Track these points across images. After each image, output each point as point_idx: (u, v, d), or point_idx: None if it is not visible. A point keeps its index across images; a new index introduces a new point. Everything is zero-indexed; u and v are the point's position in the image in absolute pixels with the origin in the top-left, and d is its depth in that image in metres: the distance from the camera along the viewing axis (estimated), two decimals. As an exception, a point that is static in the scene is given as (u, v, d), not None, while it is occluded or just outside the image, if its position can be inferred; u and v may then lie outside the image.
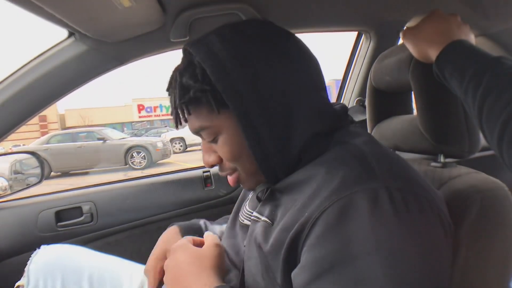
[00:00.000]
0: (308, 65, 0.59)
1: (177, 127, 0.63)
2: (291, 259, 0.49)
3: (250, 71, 0.54)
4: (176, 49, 1.12)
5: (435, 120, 0.68)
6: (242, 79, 0.53)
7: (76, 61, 1.02)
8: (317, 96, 0.59)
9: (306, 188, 0.51)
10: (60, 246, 0.96)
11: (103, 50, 1.03)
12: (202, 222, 0.90)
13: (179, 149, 13.33)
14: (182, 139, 13.65)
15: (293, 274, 0.48)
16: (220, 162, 0.62)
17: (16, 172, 1.63)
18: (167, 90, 0.61)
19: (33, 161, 1.43)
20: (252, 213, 0.63)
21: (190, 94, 0.55)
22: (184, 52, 0.59)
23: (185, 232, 0.82)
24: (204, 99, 0.55)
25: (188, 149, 13.40)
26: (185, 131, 14.29)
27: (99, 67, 1.08)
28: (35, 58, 1.03)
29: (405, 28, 0.71)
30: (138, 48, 1.09)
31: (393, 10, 1.22)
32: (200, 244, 0.65)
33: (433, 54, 0.62)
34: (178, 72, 0.57)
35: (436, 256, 0.46)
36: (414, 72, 0.69)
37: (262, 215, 0.59)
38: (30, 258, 0.91)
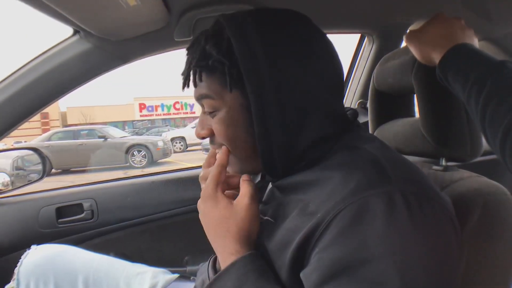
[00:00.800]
0: (333, 68, 0.58)
1: (183, 89, 0.60)
2: (298, 260, 0.48)
3: (277, 61, 0.53)
4: (179, 48, 1.12)
5: (438, 123, 0.68)
6: (268, 67, 0.52)
7: (80, 59, 1.02)
8: (334, 100, 0.58)
9: (315, 190, 0.51)
10: (52, 246, 0.94)
11: (107, 48, 1.03)
12: None
13: (180, 149, 13.34)
14: (182, 138, 13.65)
15: (303, 274, 0.47)
16: (212, 135, 0.61)
17: (18, 168, 1.63)
18: (187, 49, 0.60)
19: (35, 157, 1.44)
20: None
21: (208, 61, 0.55)
22: (217, 21, 0.58)
23: None
24: (220, 71, 0.54)
25: (189, 148, 13.40)
26: (186, 131, 14.32)
27: (103, 65, 1.08)
28: (39, 55, 1.03)
29: (408, 30, 0.71)
30: (142, 47, 1.09)
31: (396, 13, 1.22)
32: (234, 187, 0.61)
33: (436, 57, 0.62)
34: (204, 37, 0.56)
35: (449, 258, 0.46)
36: (417, 75, 0.69)
37: (264, 215, 0.59)
38: (20, 260, 0.88)
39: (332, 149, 0.56)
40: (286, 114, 0.54)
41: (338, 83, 0.59)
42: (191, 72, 0.58)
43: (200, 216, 0.59)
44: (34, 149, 1.43)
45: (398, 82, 0.78)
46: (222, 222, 0.55)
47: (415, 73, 0.70)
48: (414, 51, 0.68)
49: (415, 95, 0.73)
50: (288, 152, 0.55)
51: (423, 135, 0.70)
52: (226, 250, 0.54)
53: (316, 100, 0.55)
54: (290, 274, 0.49)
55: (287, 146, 0.55)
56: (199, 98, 0.59)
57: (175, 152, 12.01)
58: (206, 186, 0.58)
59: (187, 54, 0.59)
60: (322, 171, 0.53)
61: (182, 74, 0.60)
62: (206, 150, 10.07)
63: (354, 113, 0.63)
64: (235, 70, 0.53)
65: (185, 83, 0.59)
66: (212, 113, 0.58)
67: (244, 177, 0.59)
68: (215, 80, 0.56)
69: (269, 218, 0.57)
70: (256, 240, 0.56)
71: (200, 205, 0.59)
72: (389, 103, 0.90)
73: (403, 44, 0.75)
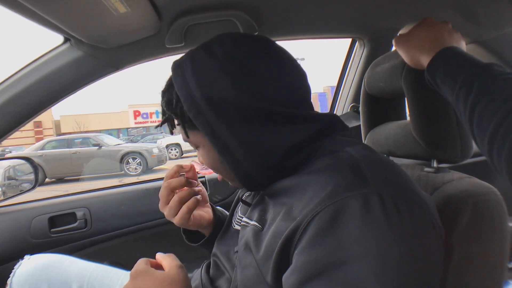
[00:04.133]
0: (284, 78, 0.59)
1: (171, 133, 0.69)
2: (282, 263, 0.49)
3: (213, 97, 0.56)
4: (171, 55, 1.12)
5: (428, 126, 0.69)
6: (208, 104, 0.56)
7: (71, 67, 1.02)
8: (291, 110, 0.58)
9: (297, 194, 0.52)
10: (45, 255, 0.94)
11: (99, 55, 1.03)
12: None
13: (175, 155, 13.30)
14: (178, 145, 13.62)
15: (284, 277, 0.48)
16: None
17: (9, 178, 1.61)
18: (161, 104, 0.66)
19: (27, 167, 1.42)
20: (242, 218, 0.64)
21: (166, 115, 0.64)
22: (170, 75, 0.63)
23: None
24: (179, 119, 0.61)
25: (184, 155, 13.37)
26: (181, 137, 14.27)
27: (95, 73, 1.08)
28: (30, 63, 1.03)
29: (397, 35, 0.72)
30: (134, 54, 1.09)
31: (387, 18, 1.23)
32: (158, 267, 0.64)
33: (424, 60, 0.63)
34: (162, 93, 0.64)
35: (427, 261, 0.46)
36: (406, 79, 0.70)
37: (251, 219, 0.59)
38: (13, 270, 0.88)
39: (313, 154, 0.56)
40: (245, 140, 0.56)
41: (289, 90, 0.59)
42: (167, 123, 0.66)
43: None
44: (26, 159, 1.42)
45: (388, 85, 0.79)
46: None
47: (405, 76, 0.70)
48: (403, 55, 0.69)
49: (406, 98, 0.74)
50: (263, 167, 0.58)
51: (414, 137, 0.71)
52: None
53: (269, 119, 0.56)
54: (276, 278, 0.50)
55: (259, 164, 0.57)
56: (184, 140, 0.66)
57: (170, 159, 11.98)
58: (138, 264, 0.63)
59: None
60: (304, 175, 0.54)
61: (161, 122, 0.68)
62: (201, 156, 10.03)
63: (334, 117, 0.64)
64: (187, 118, 0.59)
65: (171, 130, 0.68)
66: (196, 149, 0.66)
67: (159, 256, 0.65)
68: (180, 126, 0.63)
69: (256, 223, 0.57)
70: (247, 248, 0.57)
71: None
72: (380, 106, 0.90)
73: (393, 48, 0.75)
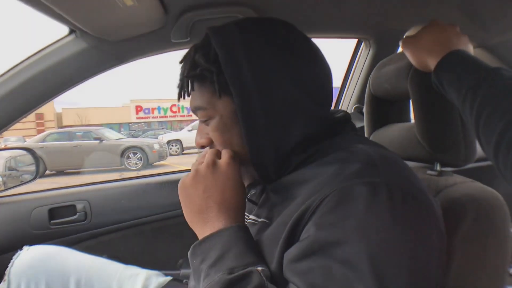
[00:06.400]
0: (316, 74, 0.60)
1: (178, 99, 0.64)
2: (289, 245, 0.49)
3: (259, 68, 0.56)
4: (176, 49, 1.12)
5: (433, 129, 0.68)
6: (250, 73, 0.55)
7: (76, 59, 1.02)
8: (317, 105, 0.59)
9: (305, 185, 0.52)
10: (44, 247, 0.93)
11: (104, 48, 1.03)
12: None
13: (176, 152, 13.31)
14: (179, 141, 13.63)
15: (286, 254, 0.49)
16: (211, 143, 0.63)
17: (10, 169, 1.61)
18: (181, 62, 0.63)
19: (28, 158, 1.42)
20: (249, 216, 0.64)
21: (197, 71, 0.58)
22: (206, 34, 0.61)
23: None
24: (209, 79, 0.57)
25: (185, 152, 13.38)
26: (182, 134, 14.29)
27: (99, 65, 1.07)
28: (34, 54, 1.02)
29: (404, 36, 0.72)
30: (139, 48, 1.09)
31: (393, 19, 1.23)
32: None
33: (431, 63, 0.62)
34: (194, 48, 0.60)
35: (425, 258, 0.47)
36: (412, 81, 0.70)
37: (259, 217, 0.60)
38: (12, 260, 0.88)
39: (321, 150, 0.57)
40: (270, 117, 0.56)
41: (322, 89, 0.61)
42: (184, 84, 0.61)
43: (184, 195, 0.59)
44: (28, 149, 1.42)
45: (393, 87, 0.79)
46: (207, 192, 0.56)
47: (411, 78, 0.70)
48: (409, 57, 0.68)
49: (410, 101, 0.73)
50: (276, 153, 0.57)
51: (418, 140, 0.70)
52: (214, 222, 0.55)
53: (296, 105, 0.57)
54: (280, 263, 0.50)
55: (274, 147, 0.57)
56: (194, 110, 0.63)
57: (171, 155, 11.99)
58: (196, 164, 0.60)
59: (180, 67, 0.63)
60: (315, 168, 0.54)
61: (177, 86, 0.63)
62: (202, 153, 10.04)
63: (346, 115, 0.64)
64: (222, 78, 0.56)
65: (180, 94, 0.62)
66: (206, 121, 0.61)
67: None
68: (205, 89, 0.59)
69: (265, 220, 0.57)
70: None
71: (184, 184, 0.59)
72: (385, 108, 0.90)
73: (400, 49, 0.75)
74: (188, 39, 1.04)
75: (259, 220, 0.59)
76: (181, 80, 0.61)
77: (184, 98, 0.63)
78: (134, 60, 1.12)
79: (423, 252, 0.46)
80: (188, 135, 13.84)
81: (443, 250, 0.51)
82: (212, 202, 0.56)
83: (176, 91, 0.63)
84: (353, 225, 0.44)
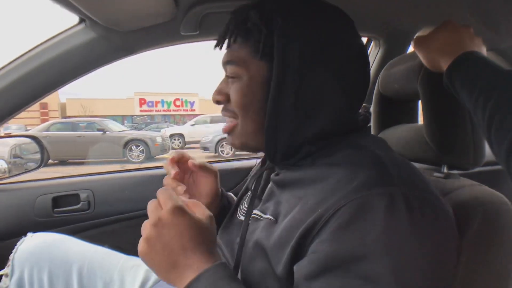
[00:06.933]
0: (360, 72, 0.60)
1: (215, 48, 0.63)
2: (297, 254, 0.49)
3: (310, 48, 0.55)
4: (185, 42, 1.11)
5: (442, 130, 0.68)
6: (300, 49, 0.54)
7: (84, 48, 1.01)
8: (347, 104, 0.59)
9: (317, 186, 0.51)
10: (48, 234, 0.94)
11: (113, 38, 1.02)
12: None
13: (178, 146, 13.33)
14: (181, 135, 13.66)
15: (297, 266, 0.48)
16: (226, 101, 0.62)
17: (15, 156, 1.62)
18: (232, 12, 0.62)
19: (33, 146, 1.42)
20: (253, 211, 0.63)
21: (247, 25, 0.57)
22: None
23: None
24: (255, 38, 0.56)
25: (187, 146, 13.40)
26: (185, 128, 14.31)
27: (107, 56, 1.07)
28: (42, 43, 1.02)
29: (416, 36, 0.71)
30: (148, 39, 1.08)
31: (405, 19, 1.22)
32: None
33: (444, 64, 0.62)
34: (252, 3, 0.59)
35: (447, 266, 0.46)
36: (423, 81, 0.69)
37: (264, 213, 0.59)
38: (16, 246, 0.88)
39: (334, 147, 0.56)
40: (299, 99, 0.55)
41: (358, 90, 0.60)
42: (228, 33, 0.60)
43: (148, 262, 0.52)
44: (33, 138, 1.42)
45: (403, 87, 0.78)
46: (194, 233, 0.50)
47: (421, 79, 0.69)
48: (421, 56, 0.68)
49: (419, 102, 0.73)
50: (291, 137, 0.56)
51: (426, 141, 0.70)
52: (187, 272, 0.48)
53: (329, 98, 0.56)
54: (287, 269, 0.49)
55: (290, 130, 0.56)
56: (225, 63, 0.61)
57: (173, 149, 11.99)
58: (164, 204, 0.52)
59: (231, 17, 0.61)
60: (324, 168, 0.54)
61: (220, 34, 0.62)
62: (204, 148, 10.07)
63: (366, 118, 0.64)
64: (268, 42, 0.55)
65: (220, 43, 0.62)
66: (233, 78, 0.60)
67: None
68: (246, 46, 0.58)
69: (270, 217, 0.56)
70: (256, 240, 0.56)
71: (142, 253, 0.52)
72: (393, 108, 0.89)
73: (410, 49, 0.74)
74: (198, 32, 1.04)
75: (265, 216, 0.58)
76: (227, 30, 0.60)
77: (220, 48, 0.62)
78: (142, 52, 1.12)
79: (443, 260, 0.46)
80: (191, 130, 13.86)
81: (457, 255, 0.52)
82: (174, 256, 0.49)
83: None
84: (373, 240, 0.43)
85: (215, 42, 0.64)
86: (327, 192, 0.48)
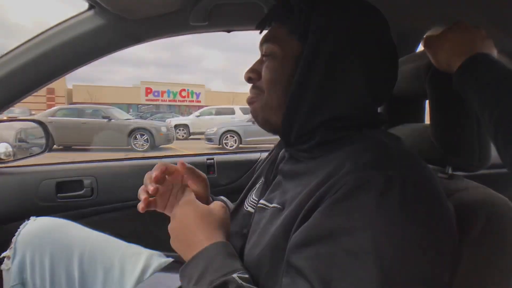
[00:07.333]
0: (390, 70, 0.62)
1: (257, 28, 0.67)
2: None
3: (347, 38, 0.56)
4: (194, 33, 1.11)
5: (448, 131, 0.68)
6: (337, 37, 0.56)
7: (93, 35, 1.02)
8: (369, 100, 0.60)
9: (320, 171, 0.52)
10: (51, 219, 0.94)
11: (122, 26, 1.02)
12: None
13: (183, 136, 13.38)
14: (186, 126, 13.69)
15: (293, 235, 0.49)
16: (256, 79, 0.64)
17: (21, 140, 1.63)
18: None
19: (39, 130, 1.43)
20: (259, 201, 0.64)
21: (290, 2, 0.60)
22: None
23: None
24: (296, 18, 0.58)
25: (192, 137, 13.43)
26: (190, 119, 14.33)
27: (116, 43, 1.07)
28: (51, 28, 1.03)
29: (426, 36, 0.70)
30: (157, 28, 1.08)
31: (414, 19, 1.20)
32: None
33: (454, 64, 0.61)
34: None
35: (433, 257, 0.47)
36: (431, 81, 0.69)
37: (271, 202, 0.60)
38: (19, 230, 0.89)
39: (346, 138, 0.57)
40: (326, 78, 0.56)
41: (385, 88, 0.62)
42: (271, 12, 0.65)
43: (177, 220, 0.63)
44: (39, 122, 1.43)
45: (411, 86, 0.78)
46: (203, 217, 0.60)
47: (430, 78, 0.69)
48: (431, 56, 0.67)
49: (426, 102, 0.73)
50: (309, 115, 0.57)
51: (431, 141, 0.70)
52: (196, 245, 0.58)
53: (355, 91, 0.58)
54: None
55: (311, 108, 0.57)
56: (263, 42, 0.64)
57: (177, 139, 12.04)
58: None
59: None
60: (331, 156, 0.55)
61: (266, 13, 0.66)
62: (209, 139, 10.09)
63: (383, 117, 0.64)
64: (307, 24, 0.57)
65: (265, 21, 0.65)
66: (267, 56, 0.62)
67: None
68: (286, 25, 0.60)
69: (276, 205, 0.58)
70: (263, 228, 0.58)
71: (175, 212, 0.64)
72: (399, 107, 0.89)
73: (418, 49, 0.74)
74: (207, 23, 1.03)
75: (270, 205, 0.59)
76: (270, 12, 0.65)
77: (262, 29, 0.66)
78: (150, 40, 1.12)
79: (431, 251, 0.46)
80: (196, 121, 13.89)
81: (453, 255, 0.51)
82: (189, 231, 0.60)
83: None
84: (362, 216, 0.45)
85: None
86: (329, 173, 0.50)
